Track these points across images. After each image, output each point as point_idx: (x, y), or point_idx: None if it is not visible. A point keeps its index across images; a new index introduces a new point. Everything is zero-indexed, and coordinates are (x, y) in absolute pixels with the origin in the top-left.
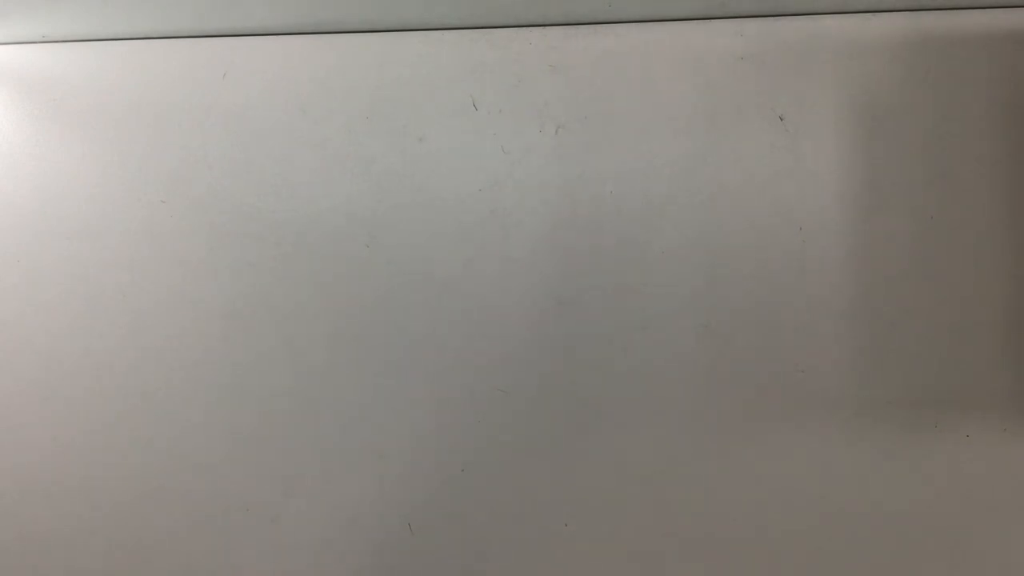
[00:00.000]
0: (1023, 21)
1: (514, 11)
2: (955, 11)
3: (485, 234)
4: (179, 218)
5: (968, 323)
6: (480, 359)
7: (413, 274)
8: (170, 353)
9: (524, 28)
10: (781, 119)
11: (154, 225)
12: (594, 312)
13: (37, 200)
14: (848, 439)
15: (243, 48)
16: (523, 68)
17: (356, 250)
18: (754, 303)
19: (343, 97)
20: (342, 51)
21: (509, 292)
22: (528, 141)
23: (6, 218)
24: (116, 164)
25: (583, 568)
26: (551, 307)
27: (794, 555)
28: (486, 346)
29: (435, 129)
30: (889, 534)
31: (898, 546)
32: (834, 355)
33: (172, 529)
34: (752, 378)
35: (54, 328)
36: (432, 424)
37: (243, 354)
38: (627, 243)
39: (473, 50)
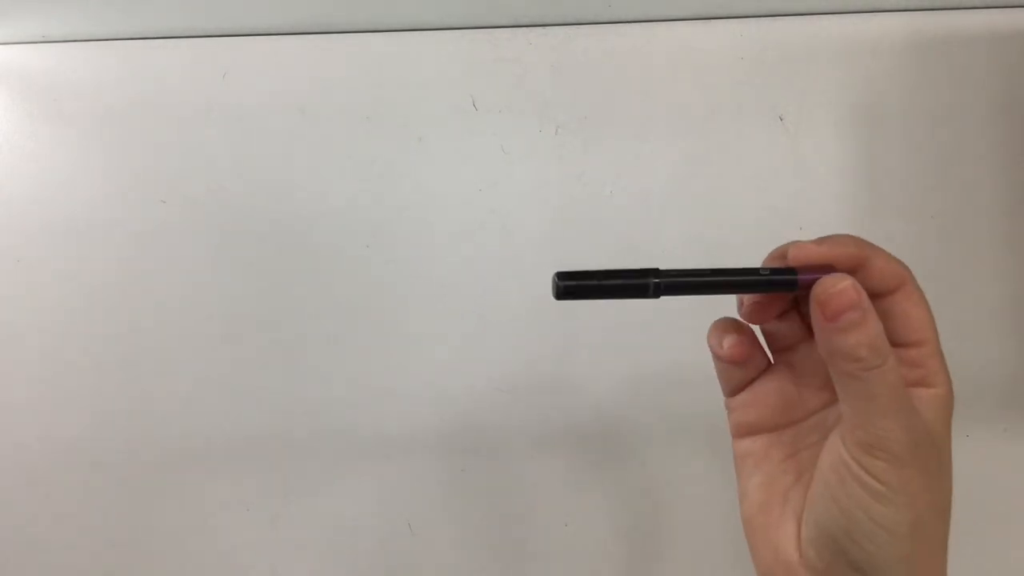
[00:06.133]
0: (1023, 21)
1: (514, 11)
2: (955, 11)
3: (485, 234)
4: (179, 218)
5: (967, 323)
6: (480, 359)
7: (413, 274)
8: (170, 353)
9: (524, 28)
10: (781, 119)
11: (154, 225)
12: (594, 312)
13: (37, 200)
14: None
15: (243, 48)
16: (523, 68)
17: (356, 250)
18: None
19: (343, 97)
20: (342, 51)
21: (509, 292)
22: (528, 141)
23: (6, 218)
24: (116, 164)
25: (583, 568)
26: (551, 307)
27: None
28: (486, 346)
29: (435, 129)
30: None
31: None
32: None
33: (171, 529)
34: None
35: (53, 328)
36: (432, 424)
37: (243, 354)
38: (627, 243)
39: (473, 50)
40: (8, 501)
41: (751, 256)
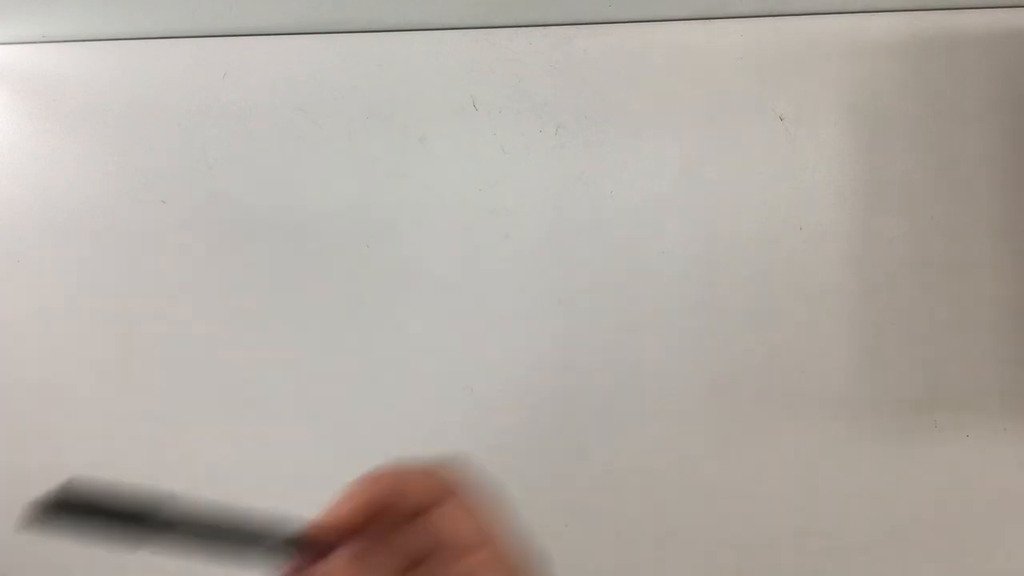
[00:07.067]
0: (1023, 21)
1: (514, 11)
2: (955, 11)
3: (485, 234)
4: (179, 218)
5: (968, 323)
6: (480, 359)
7: (413, 274)
8: (170, 353)
9: (524, 28)
10: (781, 119)
11: (154, 225)
12: (594, 312)
13: (37, 200)
14: (848, 439)
15: (243, 48)
16: (523, 68)
17: (356, 250)
18: (754, 303)
19: (343, 97)
20: (342, 51)
21: (509, 292)
22: (528, 141)
23: (6, 218)
24: (116, 164)
25: (583, 568)
26: (551, 307)
27: (794, 554)
28: (486, 346)
29: (435, 129)
30: (889, 534)
31: (898, 546)
32: (834, 355)
33: None
34: (752, 378)
35: (54, 328)
36: (432, 424)
37: (243, 354)
38: (627, 243)
39: (473, 50)
40: (8, 502)
41: (751, 256)
